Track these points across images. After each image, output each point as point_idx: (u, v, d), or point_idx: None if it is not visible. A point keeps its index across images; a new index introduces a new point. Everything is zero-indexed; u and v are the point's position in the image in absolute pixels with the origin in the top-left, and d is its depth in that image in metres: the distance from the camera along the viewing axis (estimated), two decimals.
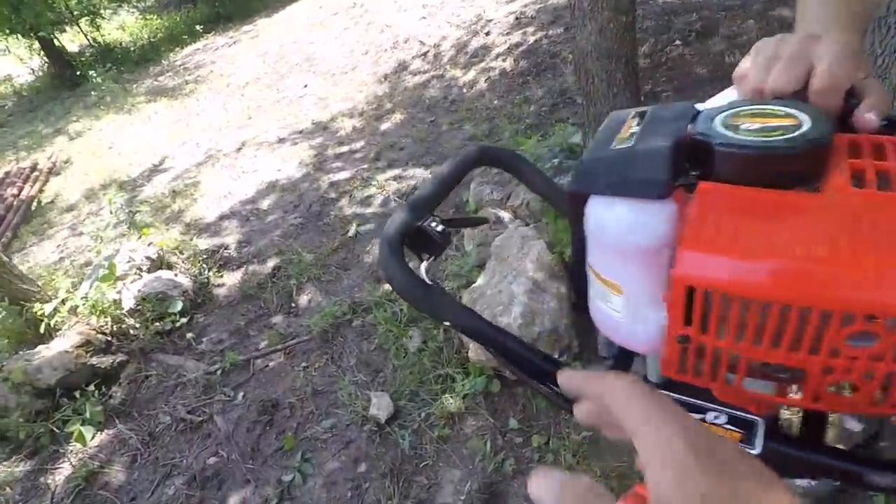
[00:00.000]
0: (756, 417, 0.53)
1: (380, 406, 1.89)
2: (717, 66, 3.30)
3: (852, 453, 0.52)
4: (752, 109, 0.48)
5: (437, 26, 5.74)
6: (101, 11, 12.78)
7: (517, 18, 4.96)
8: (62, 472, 2.04)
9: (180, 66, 8.91)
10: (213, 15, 11.89)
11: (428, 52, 5.41)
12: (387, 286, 2.55)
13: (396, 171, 3.66)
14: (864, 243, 0.39)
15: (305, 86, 6.04)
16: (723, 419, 0.54)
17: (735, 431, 0.53)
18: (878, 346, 0.38)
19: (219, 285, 2.98)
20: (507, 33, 4.77)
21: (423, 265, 0.65)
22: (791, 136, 0.43)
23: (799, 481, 1.26)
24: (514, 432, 1.72)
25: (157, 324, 2.63)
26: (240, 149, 4.93)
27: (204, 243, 3.38)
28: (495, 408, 1.81)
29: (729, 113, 0.48)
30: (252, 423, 2.04)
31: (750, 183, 0.44)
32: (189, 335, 2.58)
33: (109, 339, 2.56)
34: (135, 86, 8.54)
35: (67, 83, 10.04)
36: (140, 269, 2.93)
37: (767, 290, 0.39)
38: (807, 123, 0.44)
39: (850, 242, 0.39)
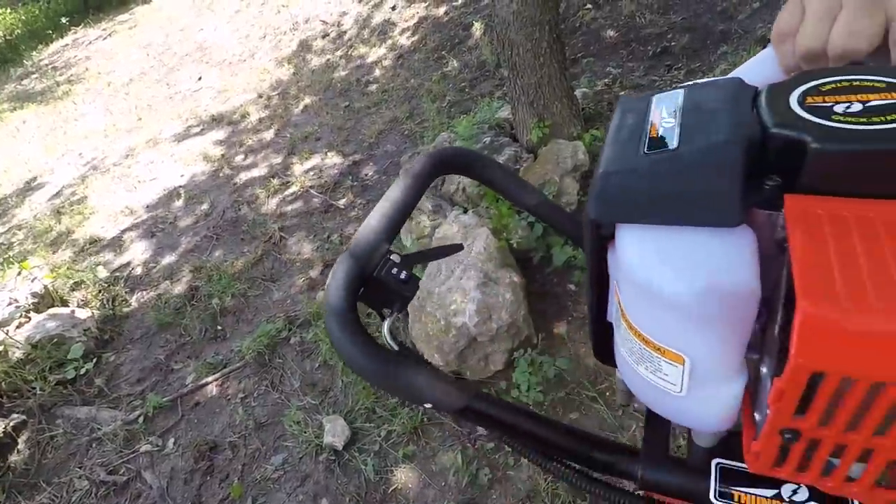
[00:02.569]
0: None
1: (334, 431, 1.72)
2: (630, 29, 3.29)
3: None
4: (835, 82, 0.34)
5: (338, 2, 5.38)
6: None
7: None
8: None
9: (48, 65, 7.86)
10: (79, 5, 10.59)
11: (331, 31, 5.07)
12: (320, 293, 2.34)
13: (315, 162, 3.39)
14: None
15: (200, 78, 5.49)
16: (803, 495, 0.42)
17: None
18: None
19: (128, 315, 2.62)
20: (411, 6, 4.54)
21: (386, 325, 0.49)
22: None
23: None
24: (484, 438, 1.61)
25: (58, 373, 2.26)
26: (131, 155, 4.40)
27: (103, 268, 2.97)
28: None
29: (805, 89, 0.34)
30: (189, 474, 1.79)
31: (864, 193, 0.31)
32: (98, 380, 2.23)
33: None
34: None
35: None
36: (27, 311, 2.51)
37: None
38: None
39: None
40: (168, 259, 2.96)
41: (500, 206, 1.94)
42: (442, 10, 4.44)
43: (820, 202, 0.31)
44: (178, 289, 2.69)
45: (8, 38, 10.07)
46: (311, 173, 3.30)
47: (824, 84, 0.35)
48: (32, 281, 2.66)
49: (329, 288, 0.46)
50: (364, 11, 5.04)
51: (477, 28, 3.92)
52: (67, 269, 2.95)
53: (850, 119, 0.31)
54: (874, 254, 0.28)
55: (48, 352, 2.29)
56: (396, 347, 0.47)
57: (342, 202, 2.96)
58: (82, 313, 2.55)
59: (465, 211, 2.12)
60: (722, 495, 0.44)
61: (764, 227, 0.35)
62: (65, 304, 2.65)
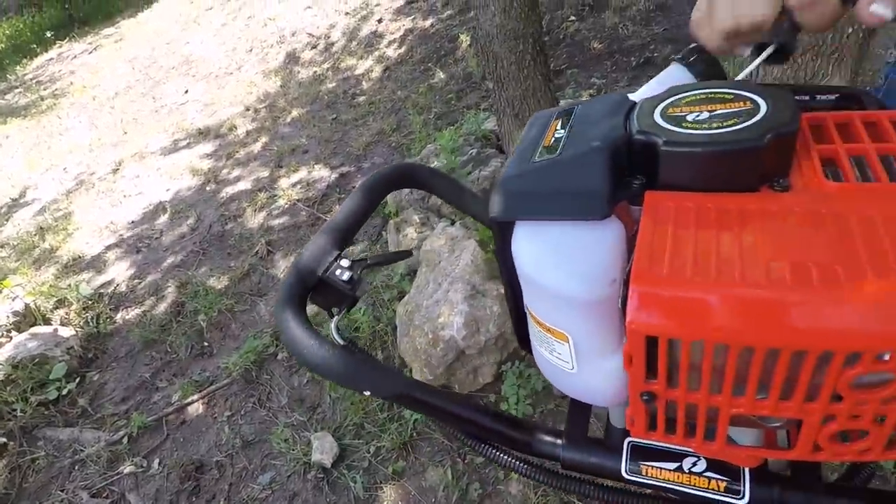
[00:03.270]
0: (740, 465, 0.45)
1: (323, 449, 1.69)
2: (613, 40, 3.33)
3: (856, 488, 0.46)
4: (694, 95, 0.39)
5: (325, 16, 5.41)
6: None
7: (407, 2, 4.77)
8: None
9: (32, 79, 7.79)
10: (64, 19, 10.53)
11: (318, 43, 5.08)
12: (309, 308, 2.32)
13: (302, 176, 3.38)
14: (861, 255, 0.30)
15: (186, 91, 5.47)
16: (701, 466, 0.45)
17: (718, 480, 0.45)
18: (893, 387, 0.30)
19: (112, 333, 2.58)
20: (397, 18, 4.57)
21: (333, 323, 0.52)
22: (749, 124, 0.35)
23: None
24: (473, 453, 1.59)
25: (39, 393, 2.21)
26: (117, 169, 4.36)
27: (87, 285, 2.92)
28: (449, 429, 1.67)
29: (669, 102, 0.39)
30: (174, 495, 1.76)
31: (707, 188, 0.36)
32: (81, 400, 2.19)
33: None
34: None
35: None
36: (7, 331, 2.46)
37: (748, 333, 0.30)
38: (764, 107, 0.36)
39: (844, 256, 0.30)
40: (153, 275, 2.93)
41: None
42: (429, 21, 4.47)
43: (671, 197, 0.37)
44: (164, 305, 2.65)
45: None
46: (299, 186, 3.29)
47: (686, 97, 0.39)
48: (13, 300, 2.61)
49: (281, 288, 0.50)
50: (352, 24, 5.07)
51: (463, 40, 3.95)
52: (50, 286, 2.90)
53: (695, 125, 0.36)
54: (703, 238, 0.33)
55: (29, 372, 2.24)
56: (342, 342, 0.51)
57: (329, 215, 2.95)
58: (65, 332, 2.51)
59: (453, 223, 2.12)
60: (632, 471, 0.48)
61: (631, 221, 0.41)
62: (47, 322, 2.61)
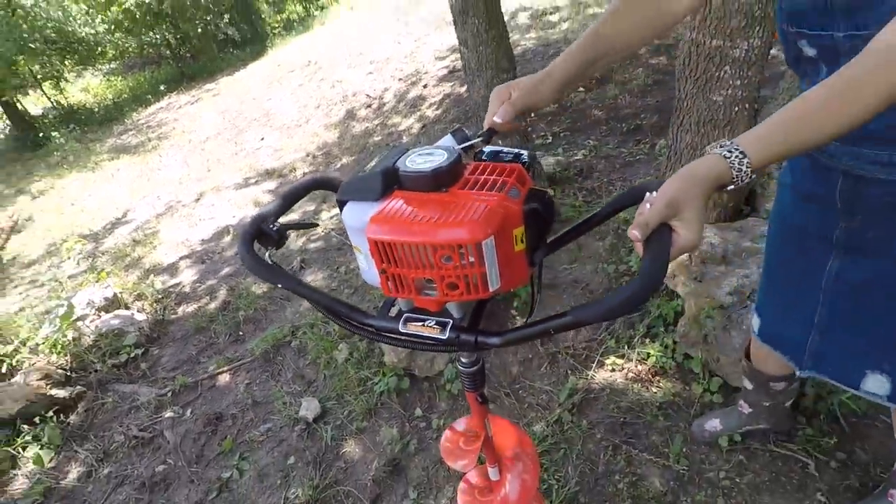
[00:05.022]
0: (449, 319, 0.88)
1: (308, 408, 2.19)
2: (611, 109, 3.82)
3: (487, 329, 0.81)
4: (422, 151, 0.85)
5: (382, 80, 6.28)
6: (65, 75, 13.13)
7: (450, 72, 5.52)
8: (20, 491, 2.24)
9: (143, 124, 9.26)
10: (177, 74, 12.34)
11: (373, 103, 5.91)
12: (318, 314, 2.87)
13: (338, 211, 4.03)
14: (454, 214, 0.75)
15: (262, 139, 6.45)
16: (432, 322, 0.85)
17: (435, 327, 0.83)
18: (454, 263, 0.73)
19: (173, 321, 3.25)
20: (439, 84, 5.30)
21: (267, 253, 1.01)
22: (434, 165, 0.80)
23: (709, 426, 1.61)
24: (419, 419, 2.03)
25: (114, 358, 2.87)
26: (198, 199, 5.25)
27: (160, 284, 3.65)
28: (405, 401, 2.12)
29: (411, 154, 0.85)
30: (198, 435, 2.30)
31: (417, 189, 0.79)
32: (144, 366, 2.83)
33: (69, 373, 2.79)
34: (98, 145, 8.83)
35: (30, 144, 10.25)
36: (99, 310, 3.18)
37: (411, 239, 0.73)
38: (443, 157, 0.81)
39: (449, 214, 0.74)
40: (211, 281, 3.61)
41: None
42: (464, 88, 5.16)
43: (403, 193, 0.81)
44: (215, 304, 3.30)
45: (116, 100, 11.87)
46: (335, 219, 3.93)
47: (420, 152, 0.85)
48: (106, 288, 3.36)
49: (241, 231, 0.99)
50: (402, 88, 5.88)
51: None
52: (133, 284, 3.65)
53: (416, 164, 0.81)
54: (410, 206, 0.76)
55: (110, 341, 2.92)
56: (270, 263, 0.98)
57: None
58: (139, 316, 3.20)
59: None
60: (403, 327, 0.84)
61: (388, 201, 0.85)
62: (127, 308, 3.32)
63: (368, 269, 0.86)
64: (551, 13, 6.01)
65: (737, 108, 1.99)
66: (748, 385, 1.44)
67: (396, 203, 0.75)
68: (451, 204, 0.72)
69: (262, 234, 0.95)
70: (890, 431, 1.36)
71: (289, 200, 1.07)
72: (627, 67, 4.17)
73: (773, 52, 3.58)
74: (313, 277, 3.29)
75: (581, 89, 4.17)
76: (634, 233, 0.62)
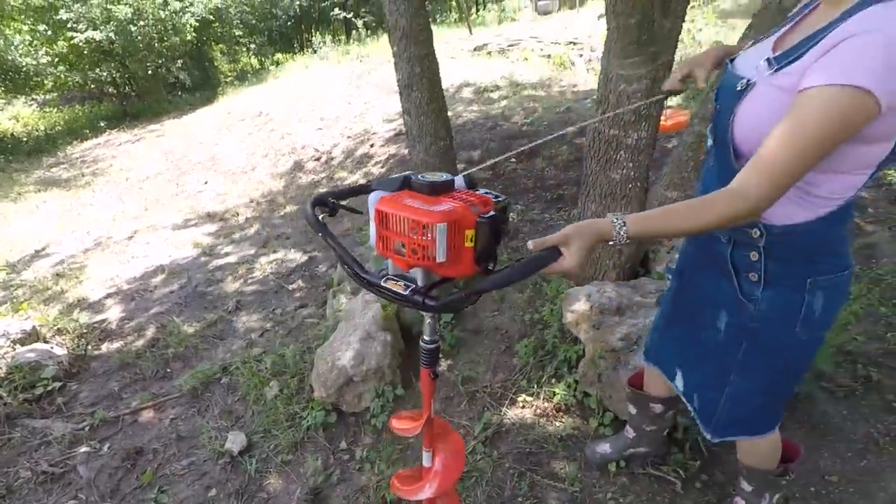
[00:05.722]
0: (413, 284, 1.02)
1: (234, 441, 2.23)
2: (539, 179, 4.27)
3: (428, 294, 1.00)
4: (433, 174, 1.07)
5: (332, 137, 6.57)
6: None
7: (396, 134, 5.90)
8: None
9: (78, 158, 9.00)
10: (119, 112, 12.15)
11: (321, 157, 6.16)
12: (255, 349, 2.94)
13: (279, 256, 4.14)
14: (429, 207, 0.96)
15: (206, 182, 6.49)
16: (401, 283, 1.03)
17: (401, 285, 1.02)
18: (418, 235, 0.93)
19: (96, 357, 3.17)
20: (385, 145, 5.66)
21: (321, 215, 1.18)
22: (433, 180, 1.03)
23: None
24: (343, 451, 2.13)
25: (27, 392, 2.77)
26: (132, 237, 5.17)
27: (85, 319, 3.56)
28: (331, 435, 2.23)
29: (426, 174, 1.07)
30: (115, 469, 2.26)
31: (418, 192, 1.02)
32: (60, 400, 2.74)
33: None
34: (24, 175, 8.45)
35: None
36: (14, 342, 3.07)
37: (398, 213, 0.95)
38: (441, 178, 1.04)
39: (427, 206, 0.96)
40: (139, 318, 3.57)
41: None
42: (407, 150, 5.53)
43: (410, 193, 1.03)
44: (142, 341, 3.26)
45: (49, 132, 11.45)
46: (275, 263, 4.04)
47: (430, 173, 1.07)
48: (25, 320, 3.25)
49: (308, 201, 1.16)
50: (350, 145, 6.18)
51: None
52: (54, 318, 3.53)
53: (424, 177, 1.04)
54: (408, 200, 0.99)
55: (24, 374, 2.82)
56: (321, 220, 1.14)
57: (292, 286, 3.66)
58: (59, 350, 3.10)
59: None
60: (384, 284, 1.02)
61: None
62: (46, 342, 3.21)
63: (373, 234, 1.08)
64: (492, 91, 6.62)
65: (630, 185, 2.39)
66: (632, 410, 1.70)
67: (401, 195, 1.02)
68: (433, 203, 0.98)
69: (323, 203, 1.19)
70: None
71: (346, 191, 1.29)
72: (554, 145, 4.68)
73: (670, 143, 4.19)
74: (247, 318, 3.35)
75: (514, 160, 4.62)
76: (530, 244, 0.93)
